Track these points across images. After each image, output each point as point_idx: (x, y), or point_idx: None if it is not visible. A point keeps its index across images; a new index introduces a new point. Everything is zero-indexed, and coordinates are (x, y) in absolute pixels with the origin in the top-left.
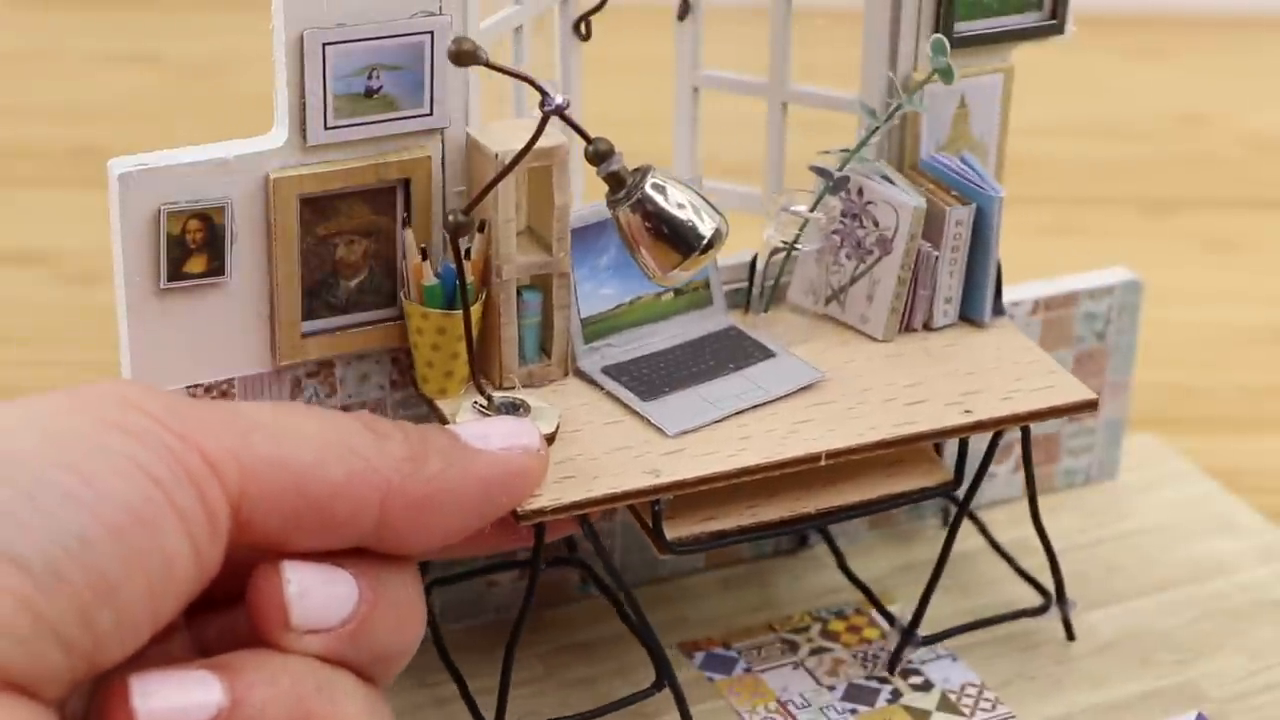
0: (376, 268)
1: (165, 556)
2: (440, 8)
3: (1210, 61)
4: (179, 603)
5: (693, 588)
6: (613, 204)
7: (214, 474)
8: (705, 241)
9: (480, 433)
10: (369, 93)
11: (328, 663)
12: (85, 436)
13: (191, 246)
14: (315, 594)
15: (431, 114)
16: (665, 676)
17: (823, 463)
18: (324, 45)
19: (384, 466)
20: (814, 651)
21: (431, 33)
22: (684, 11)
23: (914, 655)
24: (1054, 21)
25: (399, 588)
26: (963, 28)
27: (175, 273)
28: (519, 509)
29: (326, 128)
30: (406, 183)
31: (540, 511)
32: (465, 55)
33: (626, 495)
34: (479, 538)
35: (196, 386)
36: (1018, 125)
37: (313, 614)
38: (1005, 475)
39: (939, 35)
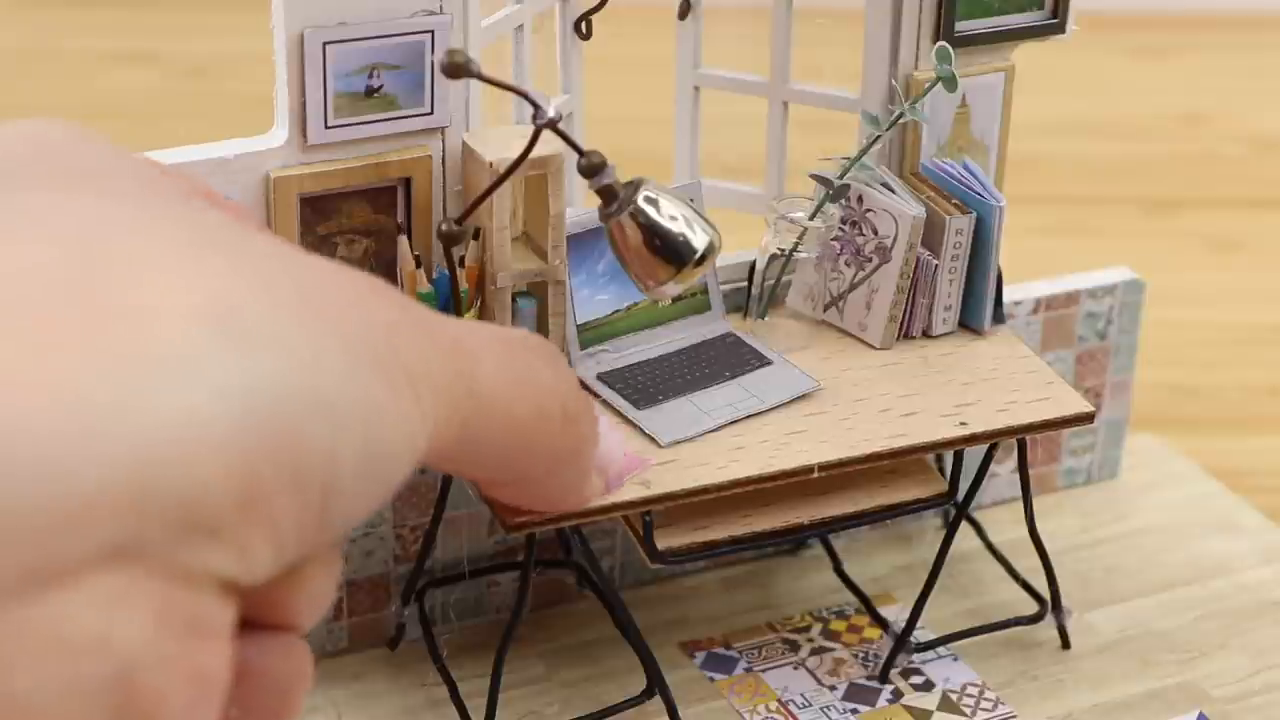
0: (378, 267)
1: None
2: (440, 7)
3: (1211, 61)
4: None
5: (693, 588)
6: (605, 217)
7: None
8: (698, 255)
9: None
10: (369, 92)
11: None
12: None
13: None
14: None
15: (432, 113)
16: (656, 684)
17: (815, 475)
18: (324, 44)
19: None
20: (815, 651)
21: (432, 32)
22: (684, 11)
23: (914, 656)
24: (1055, 21)
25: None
26: (964, 27)
27: None
28: (508, 520)
29: (327, 127)
30: (407, 182)
31: (529, 522)
32: (457, 67)
33: (617, 507)
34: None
35: None
36: (1019, 125)
37: None
38: (1006, 475)
39: (943, 44)
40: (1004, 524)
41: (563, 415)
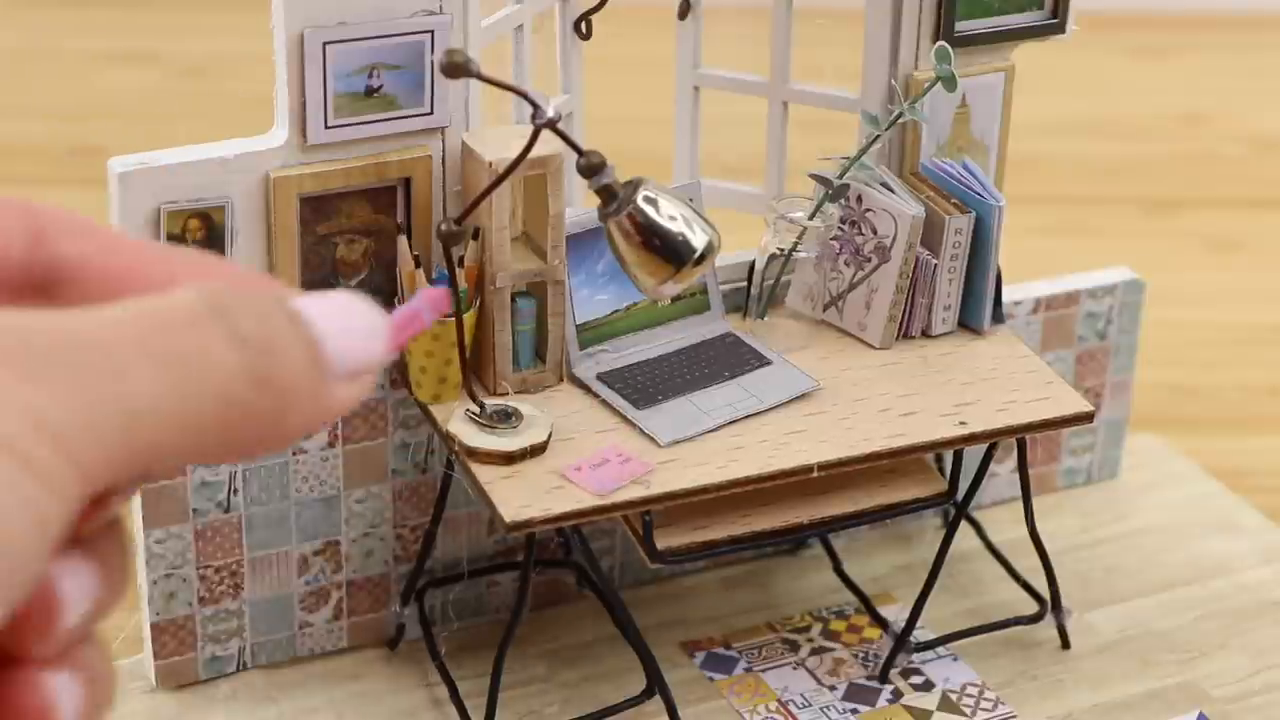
0: (377, 267)
1: None
2: (440, 7)
3: (1211, 61)
4: None
5: (693, 588)
6: (604, 216)
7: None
8: (698, 254)
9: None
10: (369, 91)
11: None
12: None
13: (191, 245)
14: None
15: (432, 113)
16: (656, 685)
17: (814, 474)
18: (324, 44)
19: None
20: (815, 651)
21: (432, 32)
22: (684, 11)
23: (914, 656)
24: (1055, 21)
25: None
26: (964, 27)
27: None
28: (508, 519)
29: (327, 127)
30: (407, 182)
31: (529, 522)
32: (456, 67)
33: (616, 507)
34: None
35: None
36: (1019, 125)
37: None
38: (1007, 475)
39: (943, 44)
40: (1004, 524)
41: (253, 385)
